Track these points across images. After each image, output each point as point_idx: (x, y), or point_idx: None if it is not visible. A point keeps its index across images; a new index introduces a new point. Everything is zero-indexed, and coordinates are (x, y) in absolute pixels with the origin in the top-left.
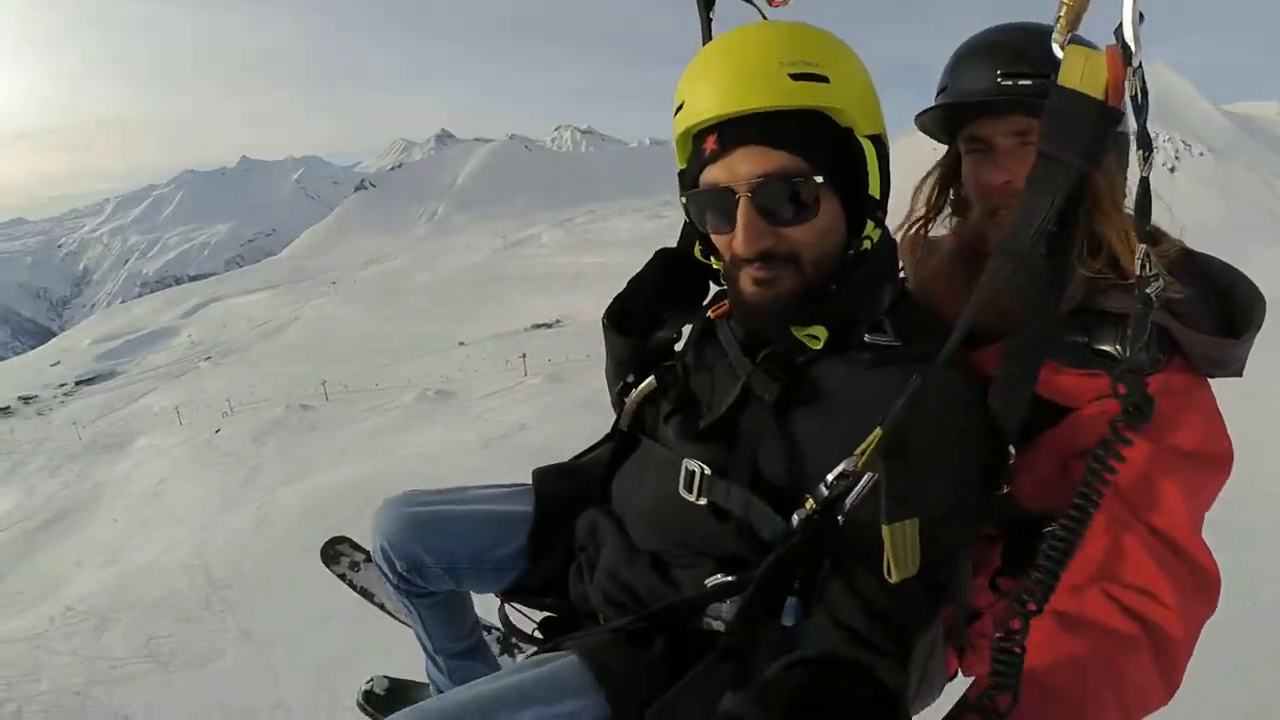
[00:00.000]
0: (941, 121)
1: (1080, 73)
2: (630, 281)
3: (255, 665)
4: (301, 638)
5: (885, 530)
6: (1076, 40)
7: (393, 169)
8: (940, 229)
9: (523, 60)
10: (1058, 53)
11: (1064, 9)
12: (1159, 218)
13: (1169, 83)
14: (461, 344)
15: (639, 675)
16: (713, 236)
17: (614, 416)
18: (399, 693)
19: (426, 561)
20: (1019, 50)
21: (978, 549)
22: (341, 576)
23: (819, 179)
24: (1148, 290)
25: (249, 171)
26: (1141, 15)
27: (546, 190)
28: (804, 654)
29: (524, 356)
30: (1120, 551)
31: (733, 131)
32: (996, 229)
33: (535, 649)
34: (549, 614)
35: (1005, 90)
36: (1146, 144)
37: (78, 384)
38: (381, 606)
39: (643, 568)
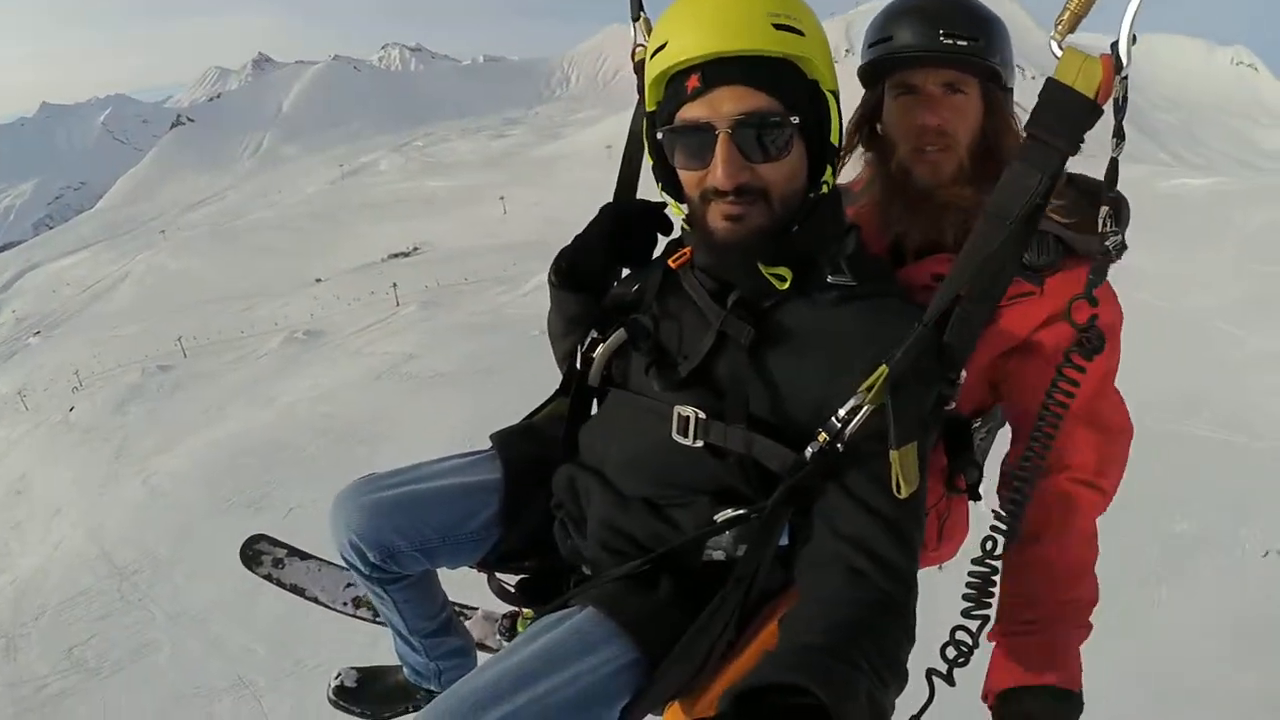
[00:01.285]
0: (875, 68)
1: (1076, 72)
2: (577, 238)
3: (196, 646)
4: (235, 607)
5: (895, 454)
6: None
7: (210, 100)
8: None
9: None
10: (1056, 51)
11: (1067, 14)
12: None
13: (1003, 9)
14: (319, 280)
15: (657, 616)
16: (683, 173)
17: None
18: (370, 681)
19: (400, 546)
20: (957, 15)
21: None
22: (267, 577)
23: (794, 120)
24: (1107, 244)
25: (50, 119)
26: (1135, 37)
27: (379, 113)
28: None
29: (395, 286)
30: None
31: (717, 71)
32: (923, 165)
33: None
34: (524, 576)
35: (946, 47)
36: (1120, 135)
37: None
38: (315, 599)
39: (638, 513)
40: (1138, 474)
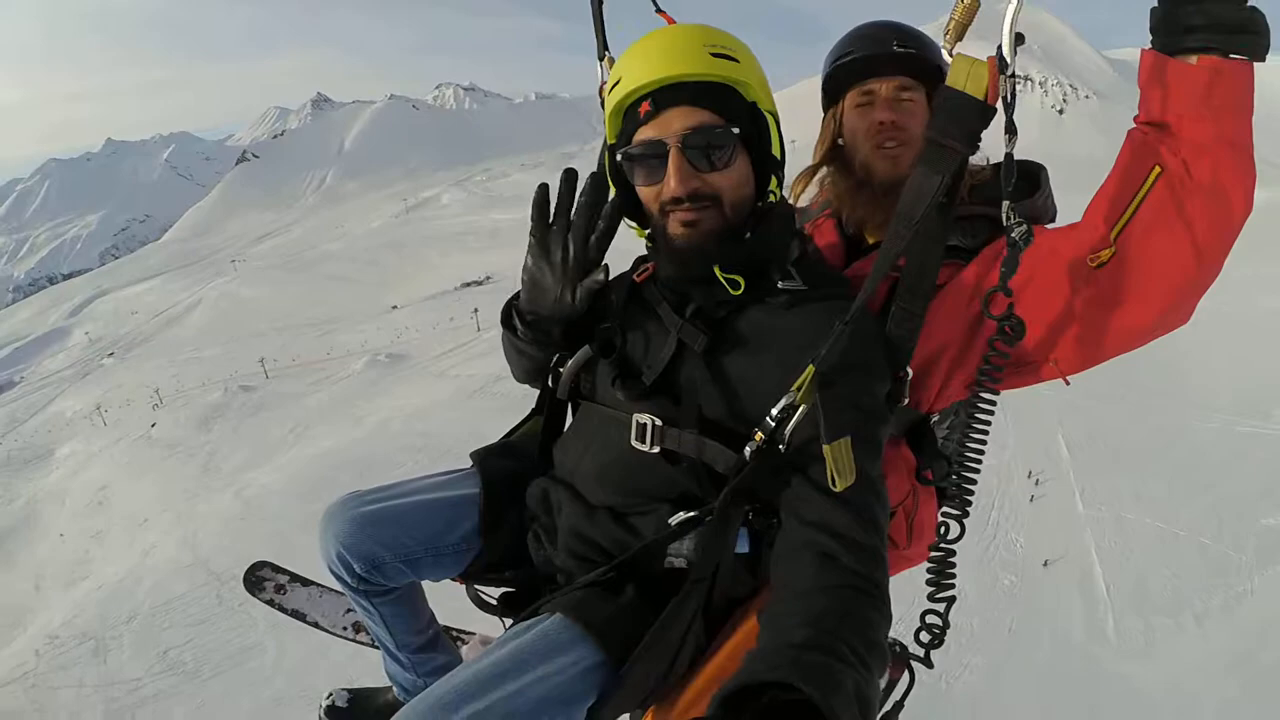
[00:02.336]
0: (838, 80)
1: (965, 77)
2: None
3: (301, 651)
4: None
5: (826, 449)
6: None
7: (274, 138)
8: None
9: (394, 18)
10: (946, 59)
11: (952, 24)
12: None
13: (1053, 29)
14: (395, 308)
15: (621, 619)
16: (642, 191)
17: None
18: (361, 701)
19: (384, 557)
20: (906, 32)
21: (886, 454)
22: (270, 602)
23: (736, 131)
24: (1013, 235)
25: (115, 154)
26: (1021, 36)
27: (438, 150)
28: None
29: (476, 311)
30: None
31: (665, 95)
32: (883, 160)
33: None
34: (507, 589)
35: (898, 53)
36: (1012, 131)
37: None
38: (316, 624)
39: (603, 521)
40: (1228, 473)
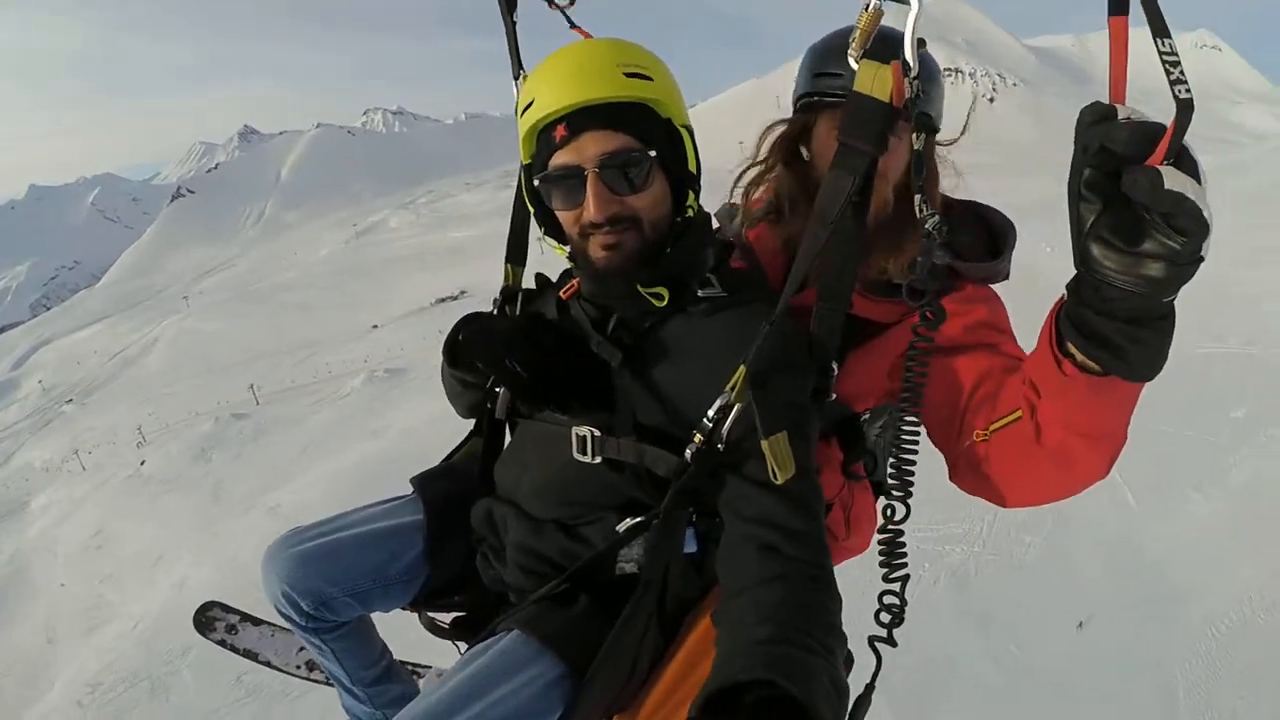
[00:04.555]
0: (816, 102)
1: (871, 81)
2: (473, 331)
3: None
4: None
5: (765, 444)
6: (868, 56)
7: (207, 172)
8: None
9: (309, 47)
10: (853, 65)
11: (858, 32)
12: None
13: (975, 23)
14: (375, 327)
15: (578, 629)
16: (561, 214)
17: None
18: None
19: (331, 593)
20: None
21: (817, 451)
22: (221, 643)
23: (652, 153)
24: (927, 226)
25: (40, 200)
26: (922, 40)
27: (376, 175)
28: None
29: None
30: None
31: (580, 119)
32: None
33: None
34: (459, 614)
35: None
36: (927, 129)
37: None
38: (269, 664)
39: (551, 534)
40: (1195, 384)
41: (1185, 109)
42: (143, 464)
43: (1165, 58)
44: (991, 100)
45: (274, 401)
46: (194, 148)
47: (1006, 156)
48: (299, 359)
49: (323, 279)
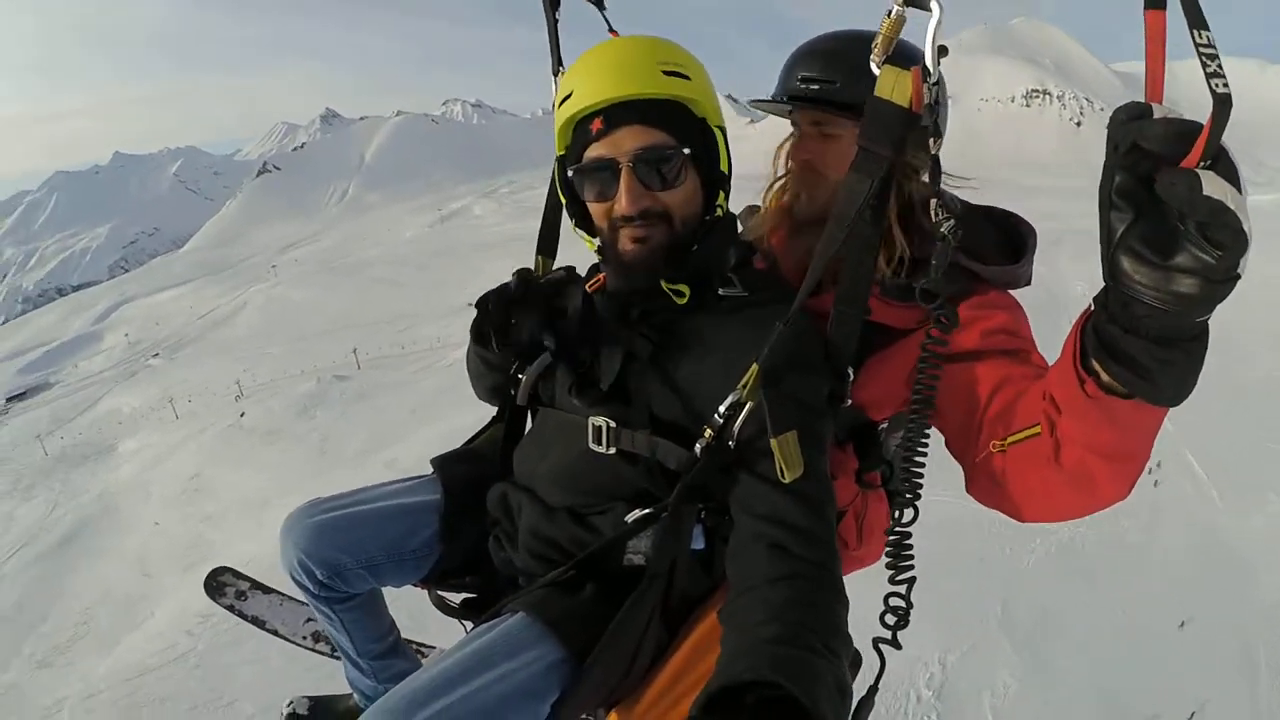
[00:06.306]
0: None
1: (892, 87)
2: (499, 306)
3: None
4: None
5: (774, 442)
6: (891, 61)
7: (294, 150)
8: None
9: (393, 33)
10: (875, 70)
11: (880, 38)
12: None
13: (1063, 45)
14: (470, 305)
15: (582, 616)
16: (592, 206)
17: None
18: (322, 708)
19: (346, 563)
20: (815, 60)
21: (833, 457)
22: (230, 608)
23: (686, 151)
24: (942, 229)
25: (123, 167)
26: (944, 49)
27: (456, 163)
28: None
29: None
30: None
31: (617, 114)
32: (795, 192)
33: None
34: (469, 594)
35: (798, 90)
36: (938, 134)
37: (8, 401)
38: (275, 632)
39: (562, 522)
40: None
41: (1223, 104)
42: (242, 415)
43: (1202, 50)
44: (1079, 125)
45: (375, 367)
46: (276, 126)
47: (1092, 180)
48: (399, 328)
49: (410, 258)
